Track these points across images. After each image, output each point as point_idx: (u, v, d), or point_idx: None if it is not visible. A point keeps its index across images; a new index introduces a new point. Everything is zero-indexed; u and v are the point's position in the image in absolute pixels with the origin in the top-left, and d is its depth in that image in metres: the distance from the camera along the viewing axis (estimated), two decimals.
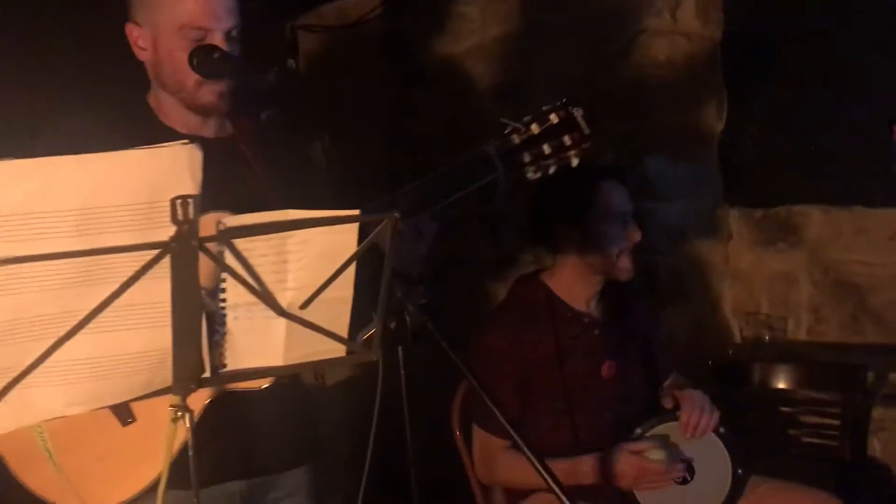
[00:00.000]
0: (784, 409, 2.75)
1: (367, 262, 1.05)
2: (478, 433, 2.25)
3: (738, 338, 3.23)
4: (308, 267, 1.02)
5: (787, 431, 2.75)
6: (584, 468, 2.13)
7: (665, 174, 3.18)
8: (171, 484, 1.09)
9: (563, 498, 1.32)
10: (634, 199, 2.33)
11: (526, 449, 1.34)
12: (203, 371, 1.03)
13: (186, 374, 1.01)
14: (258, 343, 1.06)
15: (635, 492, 2.13)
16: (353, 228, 1.03)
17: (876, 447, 2.71)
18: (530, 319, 2.25)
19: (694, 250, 3.28)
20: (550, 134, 1.34)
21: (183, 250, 0.92)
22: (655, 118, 3.18)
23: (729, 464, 2.14)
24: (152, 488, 1.35)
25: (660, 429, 2.15)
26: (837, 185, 3.02)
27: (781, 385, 2.74)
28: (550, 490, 2.10)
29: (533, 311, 2.27)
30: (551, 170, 1.37)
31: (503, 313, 2.34)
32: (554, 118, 1.35)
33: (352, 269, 1.05)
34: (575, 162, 1.37)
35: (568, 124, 1.35)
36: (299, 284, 1.03)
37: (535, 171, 1.37)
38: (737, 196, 3.29)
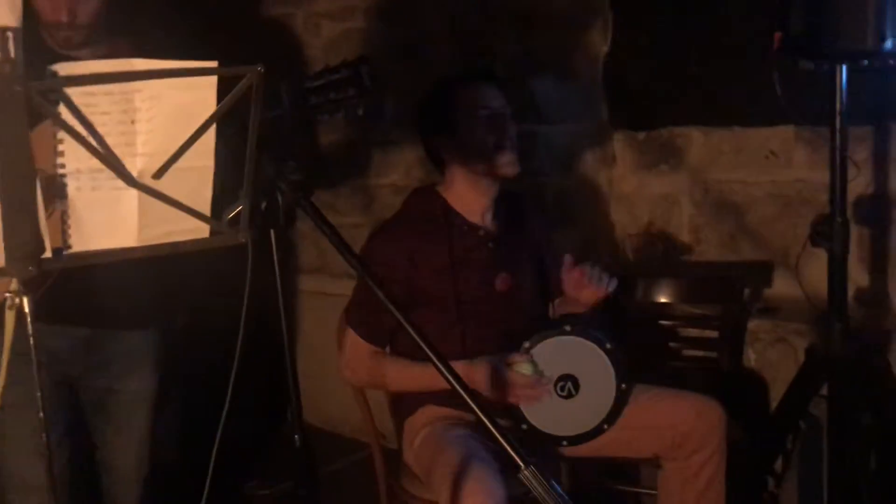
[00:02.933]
0: (666, 322, 2.80)
1: (232, 129, 0.95)
2: (351, 336, 2.23)
3: (624, 259, 3.27)
4: (160, 129, 0.91)
5: (669, 344, 2.81)
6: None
7: (551, 96, 3.15)
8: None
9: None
10: (520, 118, 2.28)
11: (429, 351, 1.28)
12: (43, 250, 0.91)
13: (22, 253, 0.89)
14: (107, 219, 0.94)
15: (521, 406, 2.13)
16: (211, 85, 0.92)
17: (751, 357, 2.80)
18: (425, 231, 2.22)
19: (580, 173, 3.30)
20: (338, 85, 1.46)
21: (6, 96, 0.80)
22: (542, 39, 3.14)
23: (613, 378, 2.15)
24: None
25: (547, 343, 2.14)
26: (717, 106, 3.07)
27: (663, 299, 2.78)
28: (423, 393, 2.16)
29: (428, 222, 2.24)
30: (339, 114, 1.48)
31: (398, 223, 2.29)
32: (344, 72, 1.47)
33: (211, 135, 0.94)
34: (360, 111, 1.50)
35: (354, 79, 1.47)
36: (151, 150, 0.92)
37: (322, 114, 1.49)
38: (621, 119, 3.31)
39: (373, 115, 3.48)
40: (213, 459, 1.31)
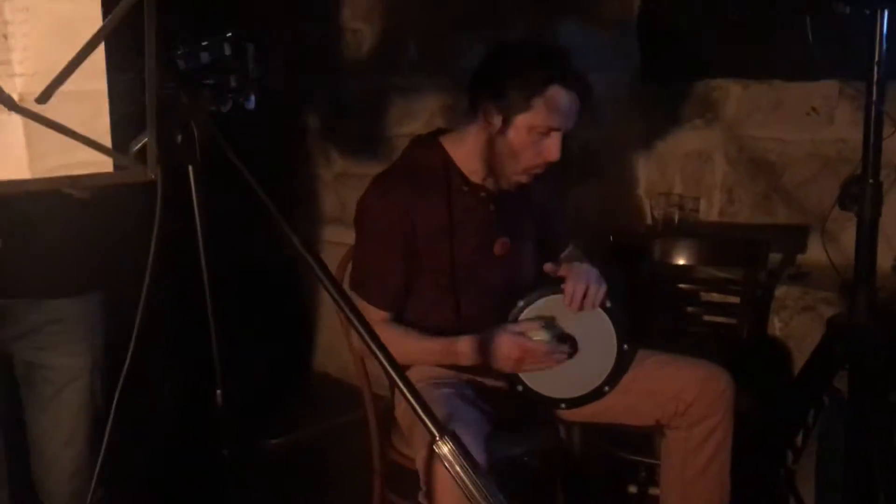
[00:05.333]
0: (683, 285, 2.66)
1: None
2: (357, 301, 2.10)
3: (649, 219, 3.12)
4: (38, 46, 0.82)
5: (686, 308, 2.68)
6: (462, 349, 2.02)
7: (579, 42, 2.99)
8: None
9: None
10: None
11: None
12: None
13: None
14: None
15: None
16: None
17: (776, 325, 2.65)
18: (423, 187, 2.07)
19: (608, 126, 3.14)
20: (218, 67, 1.12)
21: None
22: None
23: (614, 338, 2.05)
24: None
25: (543, 301, 2.03)
26: (756, 59, 2.88)
27: (681, 261, 2.63)
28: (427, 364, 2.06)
29: (427, 178, 2.08)
30: (226, 107, 1.14)
31: (395, 177, 2.11)
32: (226, 49, 1.13)
33: (100, 54, 0.85)
34: (251, 104, 1.15)
35: (238, 60, 1.14)
36: (30, 69, 0.83)
37: (215, 102, 1.14)
38: (654, 69, 3.13)
39: (394, 59, 3.37)
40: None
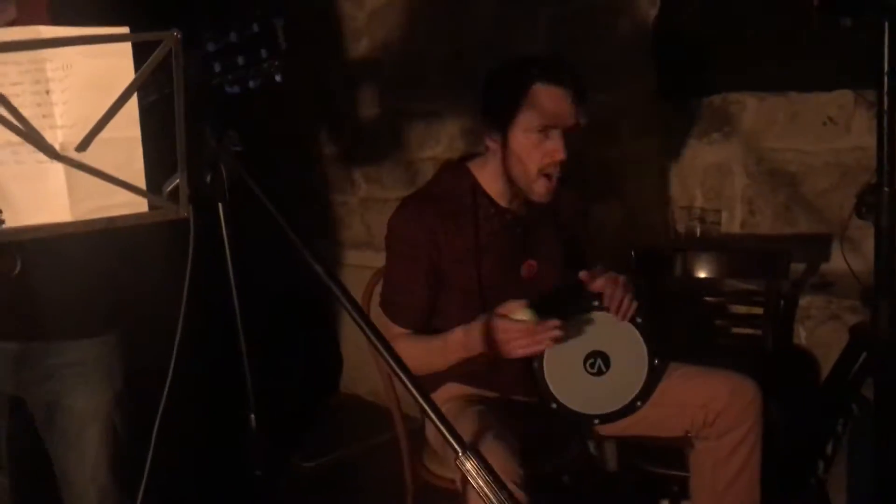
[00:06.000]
0: (707, 298, 2.68)
1: (154, 98, 0.92)
2: (383, 318, 2.16)
3: (672, 233, 3.15)
4: (77, 100, 0.89)
5: (711, 321, 2.69)
6: (455, 338, 2.02)
7: (596, 60, 3.04)
8: None
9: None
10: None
11: None
12: None
13: None
14: (36, 194, 0.93)
15: (548, 381, 2.06)
16: (125, 52, 0.89)
17: (801, 334, 2.66)
18: (451, 211, 2.12)
19: (626, 143, 3.18)
20: (247, 45, 1.16)
21: None
22: (586, 1, 3.03)
23: (646, 354, 2.08)
24: None
25: (576, 318, 2.06)
26: (771, 71, 2.90)
27: (703, 274, 2.66)
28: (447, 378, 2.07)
29: (455, 202, 2.14)
30: (252, 84, 1.18)
31: (423, 200, 2.17)
32: (255, 27, 1.16)
33: (134, 104, 0.91)
34: (278, 78, 1.19)
35: (266, 36, 1.16)
36: (70, 121, 0.90)
37: (232, 84, 1.18)
38: (670, 85, 3.16)
39: (415, 84, 3.44)
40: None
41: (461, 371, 2.12)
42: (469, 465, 1.15)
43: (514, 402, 2.17)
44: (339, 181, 3.90)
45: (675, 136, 3.19)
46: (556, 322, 1.91)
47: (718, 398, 2.07)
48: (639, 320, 2.06)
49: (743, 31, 2.92)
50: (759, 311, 2.62)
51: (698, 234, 2.93)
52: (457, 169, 2.21)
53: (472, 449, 1.16)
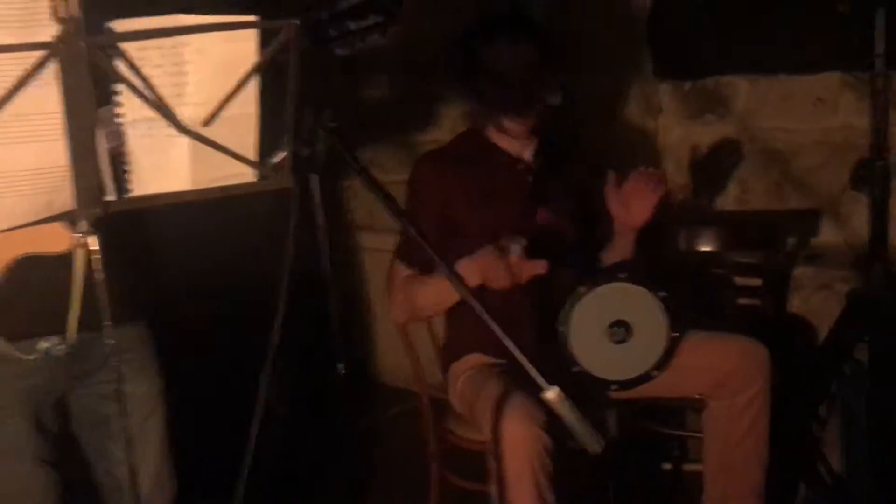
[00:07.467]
0: (709, 270, 2.83)
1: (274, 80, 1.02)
2: (394, 265, 2.28)
3: (669, 210, 3.28)
4: (207, 80, 0.99)
5: (713, 292, 2.84)
6: (456, 268, 2.08)
7: (592, 42, 3.16)
8: None
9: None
10: (560, 66, 2.27)
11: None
12: (105, 193, 1.01)
13: (88, 195, 0.99)
14: (163, 164, 1.03)
15: (573, 351, 2.14)
16: (251, 37, 1.00)
17: (795, 304, 2.82)
18: (465, 157, 2.28)
19: (623, 123, 3.30)
20: (358, 11, 1.29)
21: (71, 52, 0.88)
22: None
23: (666, 325, 2.15)
24: None
25: (602, 288, 2.13)
26: (763, 54, 3.05)
27: (706, 247, 2.81)
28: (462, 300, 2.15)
29: (469, 153, 2.30)
30: (357, 46, 1.33)
31: (441, 153, 2.37)
32: None
33: (253, 84, 1.02)
34: (382, 41, 1.35)
35: (376, 3, 1.30)
36: (200, 99, 1.00)
37: (342, 47, 1.33)
38: (666, 68, 3.30)
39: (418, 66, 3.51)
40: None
41: (484, 341, 2.22)
42: (552, 395, 1.27)
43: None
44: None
45: (670, 116, 3.32)
46: (542, 263, 2.01)
47: (730, 359, 2.19)
48: (661, 293, 2.15)
49: (734, 14, 3.06)
50: (755, 281, 2.77)
51: (693, 211, 3.08)
52: (474, 133, 2.37)
53: (555, 385, 1.28)
